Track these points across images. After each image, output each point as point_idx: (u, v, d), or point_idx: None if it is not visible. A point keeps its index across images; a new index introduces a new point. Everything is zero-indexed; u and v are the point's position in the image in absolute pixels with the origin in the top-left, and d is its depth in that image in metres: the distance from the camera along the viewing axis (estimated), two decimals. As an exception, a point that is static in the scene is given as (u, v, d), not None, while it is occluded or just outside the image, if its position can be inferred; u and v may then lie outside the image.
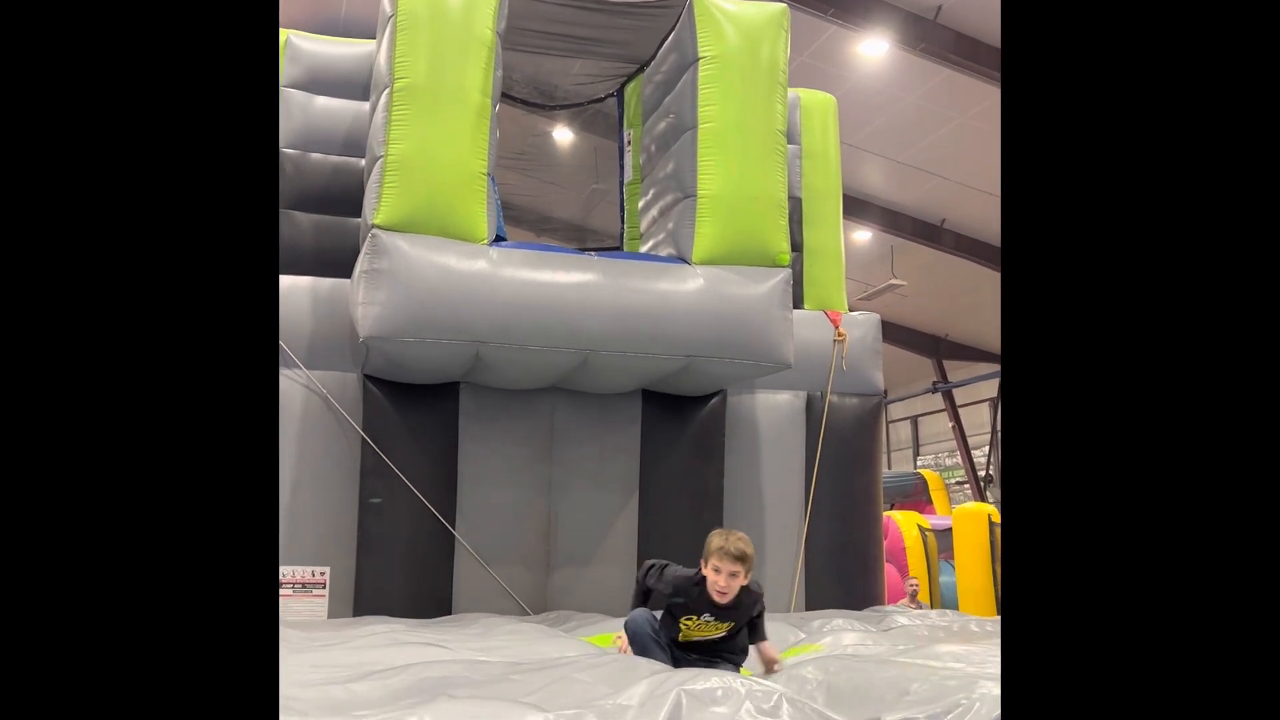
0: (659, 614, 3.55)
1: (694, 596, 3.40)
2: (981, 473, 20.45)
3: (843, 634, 3.77)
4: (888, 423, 23.52)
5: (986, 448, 20.75)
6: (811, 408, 6.28)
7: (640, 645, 3.44)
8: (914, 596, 10.33)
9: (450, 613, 5.22)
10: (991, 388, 20.72)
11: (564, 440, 5.82)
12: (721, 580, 3.32)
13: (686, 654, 3.46)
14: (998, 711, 2.00)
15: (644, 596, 3.68)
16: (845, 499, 6.20)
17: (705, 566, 3.38)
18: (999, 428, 20.49)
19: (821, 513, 6.10)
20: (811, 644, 3.80)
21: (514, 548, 5.58)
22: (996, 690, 2.08)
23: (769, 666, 3.52)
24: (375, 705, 2.04)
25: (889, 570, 12.49)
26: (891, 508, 15.07)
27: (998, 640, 3.73)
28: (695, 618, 3.41)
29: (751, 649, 3.61)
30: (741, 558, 3.33)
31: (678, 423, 5.97)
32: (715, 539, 3.40)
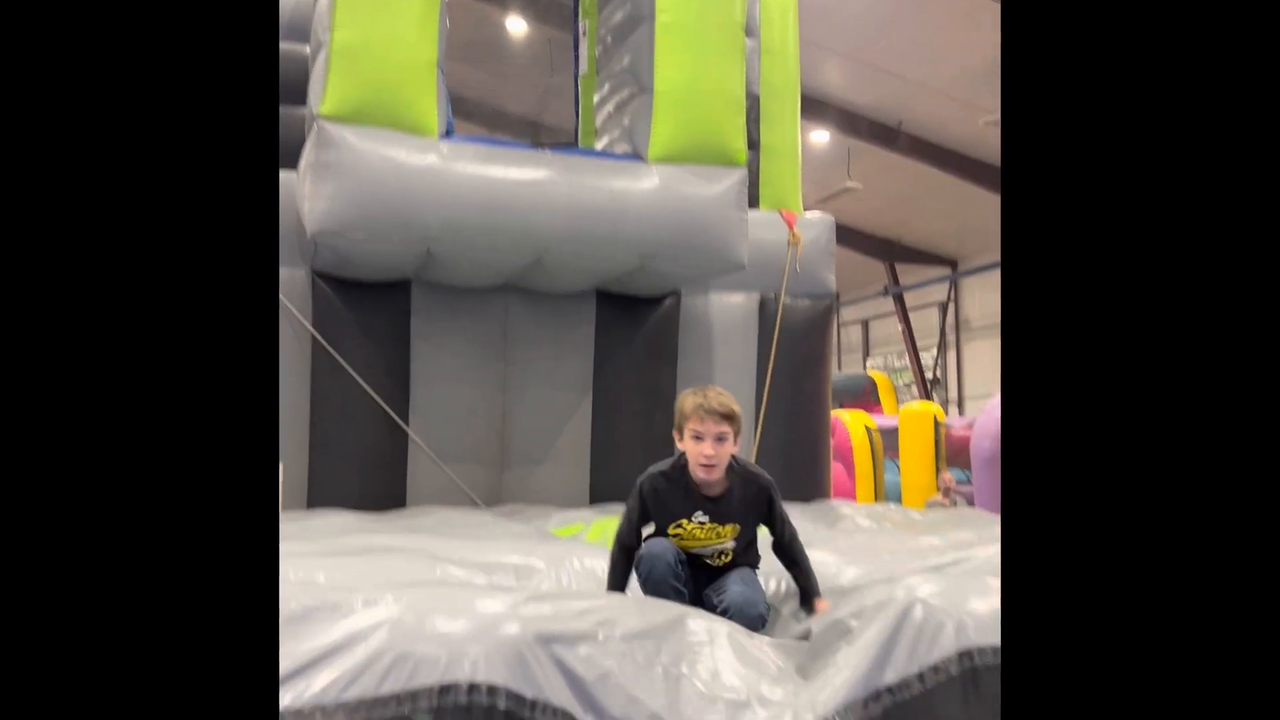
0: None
1: (677, 491, 2.66)
2: (929, 375, 20.90)
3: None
4: (839, 325, 23.84)
5: (935, 350, 21.17)
6: (765, 309, 6.32)
7: (655, 587, 2.63)
8: (947, 492, 10.06)
9: (404, 508, 5.27)
10: (941, 291, 21.01)
11: (517, 340, 5.81)
12: (707, 447, 2.55)
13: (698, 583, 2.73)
14: (917, 596, 2.10)
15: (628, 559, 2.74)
16: (796, 399, 6.31)
17: (681, 439, 2.64)
18: (947, 330, 20.87)
19: (773, 412, 6.20)
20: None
21: (468, 446, 5.62)
22: (918, 585, 2.19)
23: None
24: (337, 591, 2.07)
25: (836, 468, 12.86)
26: (841, 408, 15.38)
27: (937, 531, 3.88)
28: (687, 521, 2.65)
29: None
30: (728, 415, 2.61)
31: (631, 324, 5.98)
32: (688, 398, 2.64)
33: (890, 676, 2.11)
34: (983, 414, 11.32)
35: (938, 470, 11.93)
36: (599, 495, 5.72)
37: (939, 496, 9.72)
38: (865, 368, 22.00)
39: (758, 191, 6.46)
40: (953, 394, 20.70)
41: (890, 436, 13.38)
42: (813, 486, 6.37)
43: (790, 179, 6.74)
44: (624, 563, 2.73)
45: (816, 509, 5.19)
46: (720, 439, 2.60)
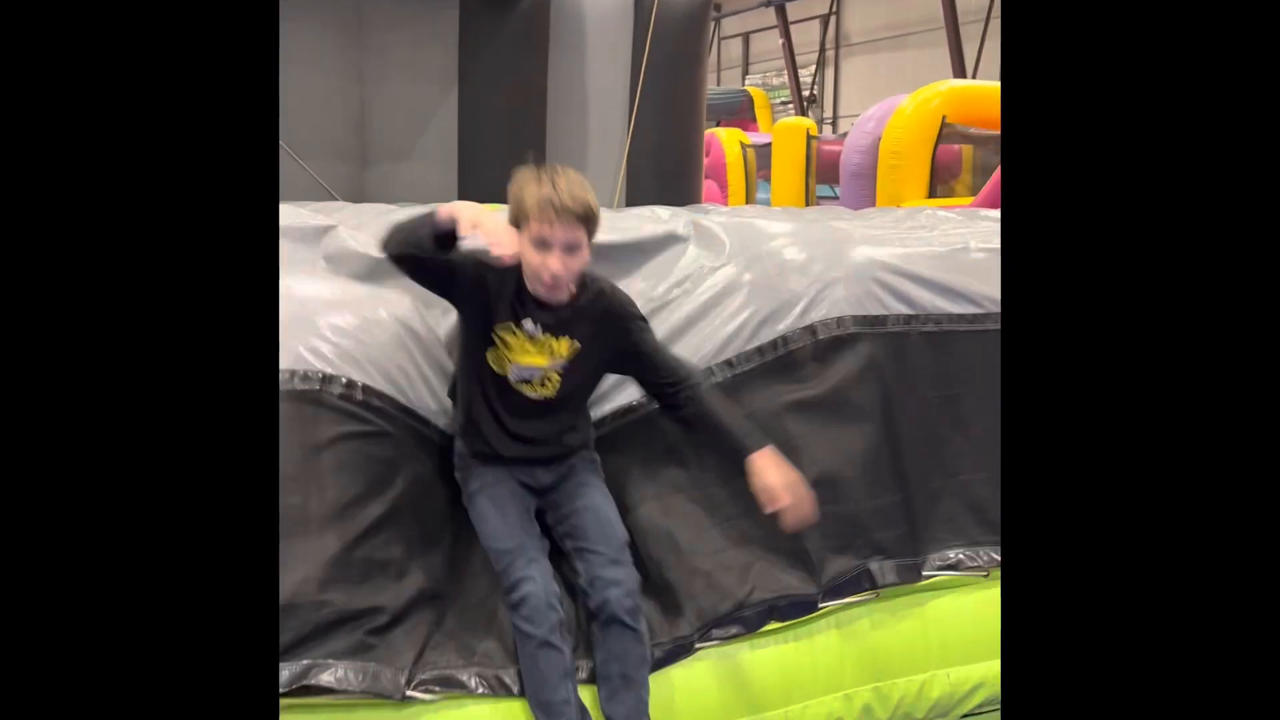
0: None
1: (507, 288, 1.96)
2: (806, 92, 20.71)
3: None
4: (719, 39, 23.02)
5: (813, 68, 20.84)
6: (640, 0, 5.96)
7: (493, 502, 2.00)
8: None
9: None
10: (824, 3, 20.37)
11: (374, 26, 5.36)
12: (554, 262, 1.87)
13: (509, 431, 2.01)
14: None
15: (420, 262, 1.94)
16: (670, 97, 6.13)
17: (519, 236, 1.89)
18: (827, 45, 20.49)
19: (645, 111, 6.03)
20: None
21: (324, 139, 5.30)
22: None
23: (770, 497, 1.90)
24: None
25: (709, 185, 12.90)
26: (717, 125, 15.19)
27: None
28: (515, 327, 1.97)
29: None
30: (585, 216, 1.88)
31: (499, 11, 5.57)
32: (529, 185, 1.88)
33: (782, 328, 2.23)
34: (853, 129, 11.37)
35: (807, 185, 12.11)
36: (468, 195, 5.56)
37: None
38: (744, 84, 21.58)
39: None
40: (828, 113, 20.69)
41: (764, 154, 13.39)
42: (684, 194, 6.35)
43: None
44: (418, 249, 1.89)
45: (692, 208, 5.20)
46: (572, 249, 1.88)
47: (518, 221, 1.89)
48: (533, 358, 1.97)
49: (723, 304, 2.26)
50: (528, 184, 1.89)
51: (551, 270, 1.86)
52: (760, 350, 2.22)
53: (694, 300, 2.27)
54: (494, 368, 1.98)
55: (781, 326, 2.24)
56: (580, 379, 2.03)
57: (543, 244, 1.87)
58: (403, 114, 5.50)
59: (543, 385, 2.00)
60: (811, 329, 2.24)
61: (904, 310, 2.34)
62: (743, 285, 2.28)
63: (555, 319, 1.97)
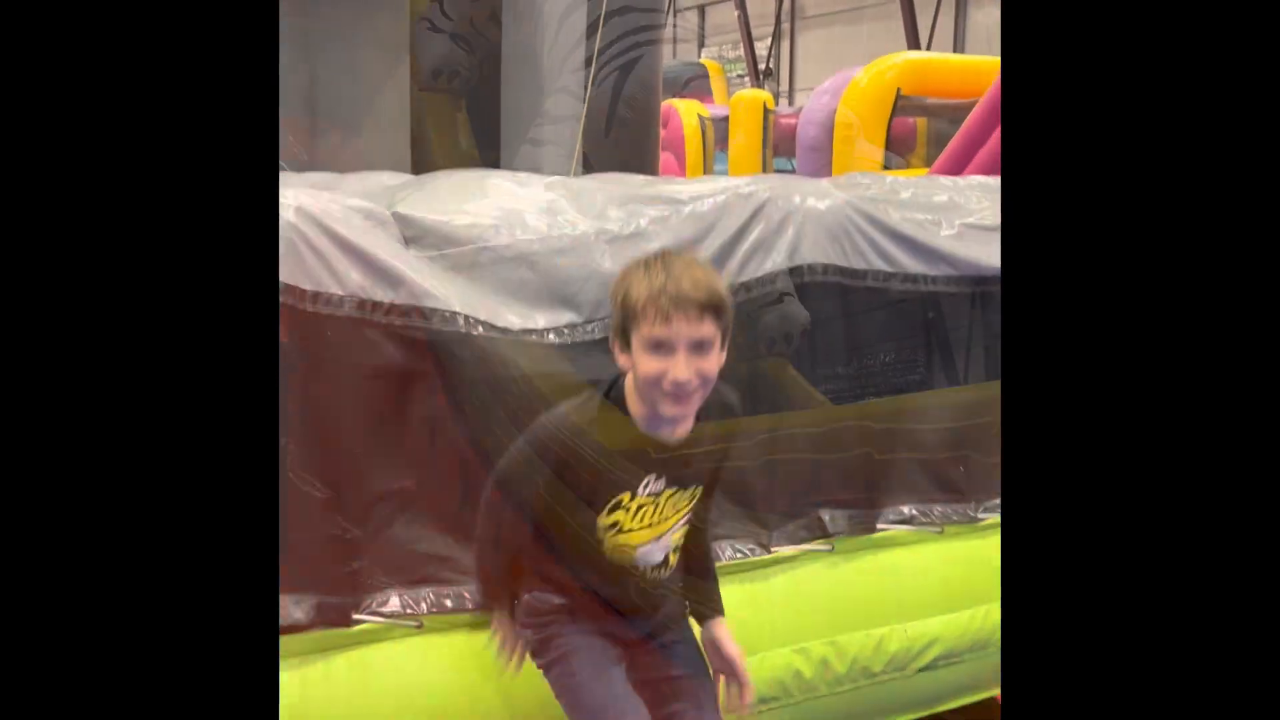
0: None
1: (609, 441, 1.58)
2: (762, 65, 20.70)
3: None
4: (675, 11, 22.88)
5: (769, 40, 20.82)
6: (594, -33, 5.90)
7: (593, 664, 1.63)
8: None
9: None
10: (780, -25, 20.33)
11: (321, -8, 5.28)
12: (680, 367, 1.47)
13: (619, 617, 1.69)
14: (762, 198, 2.15)
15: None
16: (625, 67, 6.08)
17: (625, 352, 1.54)
18: (782, 17, 20.47)
19: (602, 78, 5.98)
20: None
21: (273, 109, 5.22)
22: (760, 188, 2.23)
23: (728, 672, 1.74)
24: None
25: (667, 158, 12.86)
26: (674, 97, 15.12)
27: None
28: (630, 498, 1.61)
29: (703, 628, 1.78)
30: (715, 305, 1.49)
31: (450, -24, 5.48)
32: (637, 278, 1.51)
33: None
34: (809, 102, 11.38)
35: (764, 157, 12.12)
36: (423, 166, 5.51)
37: None
38: (699, 57, 21.52)
39: None
40: (784, 86, 20.71)
41: (721, 126, 13.37)
42: (640, 166, 6.30)
43: None
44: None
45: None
46: (699, 348, 1.49)
47: (626, 330, 1.51)
48: (655, 528, 1.63)
49: (712, 235, 2.15)
50: (634, 278, 1.51)
51: (674, 377, 1.47)
52: (746, 285, 2.17)
53: (685, 222, 2.15)
54: (611, 556, 1.63)
55: (769, 264, 2.18)
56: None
57: (660, 346, 1.47)
58: (352, 85, 5.43)
59: (660, 570, 1.69)
60: (799, 270, 2.20)
61: (884, 267, 2.32)
62: (732, 219, 2.18)
63: (677, 468, 1.62)
